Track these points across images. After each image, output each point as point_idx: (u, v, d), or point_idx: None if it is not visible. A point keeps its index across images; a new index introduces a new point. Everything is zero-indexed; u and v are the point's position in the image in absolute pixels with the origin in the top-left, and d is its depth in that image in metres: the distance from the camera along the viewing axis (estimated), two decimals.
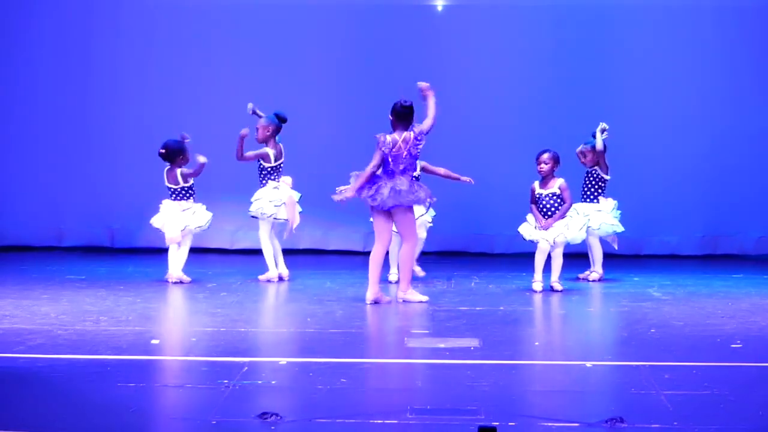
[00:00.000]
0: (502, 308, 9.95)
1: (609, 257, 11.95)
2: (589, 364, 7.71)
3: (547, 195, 10.81)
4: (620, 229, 11.57)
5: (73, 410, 6.52)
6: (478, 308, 9.86)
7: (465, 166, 12.54)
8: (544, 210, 10.81)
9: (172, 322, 9.70)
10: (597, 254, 11.57)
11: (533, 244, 10.88)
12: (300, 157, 11.83)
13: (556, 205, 10.80)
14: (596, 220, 11.40)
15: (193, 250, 11.42)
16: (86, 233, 13.65)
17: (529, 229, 10.86)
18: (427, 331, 8.92)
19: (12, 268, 12.14)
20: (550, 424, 6.30)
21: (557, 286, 10.80)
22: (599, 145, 11.36)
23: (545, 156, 10.87)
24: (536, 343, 8.72)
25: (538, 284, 10.78)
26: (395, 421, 6.28)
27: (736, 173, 13.32)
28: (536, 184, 10.90)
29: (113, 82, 13.47)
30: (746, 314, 9.66)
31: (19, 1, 13.47)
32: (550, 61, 13.32)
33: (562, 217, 10.79)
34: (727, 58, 13.29)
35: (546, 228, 10.74)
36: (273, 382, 7.19)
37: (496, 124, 13.30)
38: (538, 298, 10.52)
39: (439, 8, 13.44)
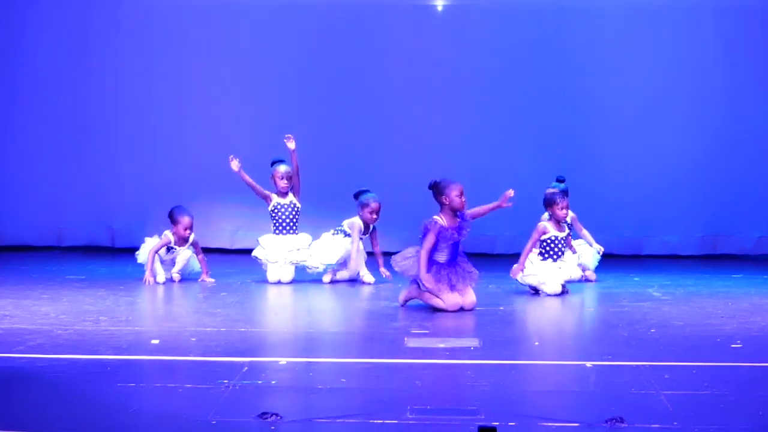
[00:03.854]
0: (502, 308, 9.95)
1: (609, 257, 11.93)
2: (589, 364, 7.69)
3: (563, 238, 10.72)
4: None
5: (73, 410, 6.51)
6: (478, 308, 9.86)
7: (465, 167, 12.58)
8: (559, 253, 10.68)
9: (173, 322, 9.69)
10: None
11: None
12: (299, 157, 11.81)
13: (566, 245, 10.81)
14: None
15: None
16: (86, 233, 13.66)
17: (540, 274, 10.64)
18: (427, 331, 8.91)
19: (12, 268, 12.13)
20: (550, 424, 6.29)
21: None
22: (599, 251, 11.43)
23: (566, 202, 10.65)
24: (536, 343, 8.71)
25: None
26: (395, 421, 6.27)
27: (736, 173, 13.32)
28: (549, 226, 10.63)
29: (113, 82, 13.47)
30: (746, 314, 9.65)
31: (19, 1, 13.47)
32: (550, 60, 13.32)
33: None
34: (727, 59, 13.29)
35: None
36: (273, 382, 7.17)
37: (496, 124, 13.30)
38: (537, 298, 10.50)
39: (439, 8, 13.44)
